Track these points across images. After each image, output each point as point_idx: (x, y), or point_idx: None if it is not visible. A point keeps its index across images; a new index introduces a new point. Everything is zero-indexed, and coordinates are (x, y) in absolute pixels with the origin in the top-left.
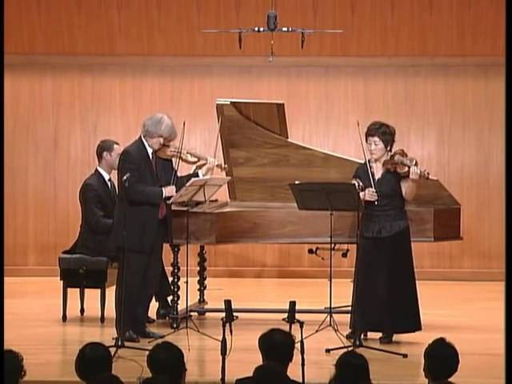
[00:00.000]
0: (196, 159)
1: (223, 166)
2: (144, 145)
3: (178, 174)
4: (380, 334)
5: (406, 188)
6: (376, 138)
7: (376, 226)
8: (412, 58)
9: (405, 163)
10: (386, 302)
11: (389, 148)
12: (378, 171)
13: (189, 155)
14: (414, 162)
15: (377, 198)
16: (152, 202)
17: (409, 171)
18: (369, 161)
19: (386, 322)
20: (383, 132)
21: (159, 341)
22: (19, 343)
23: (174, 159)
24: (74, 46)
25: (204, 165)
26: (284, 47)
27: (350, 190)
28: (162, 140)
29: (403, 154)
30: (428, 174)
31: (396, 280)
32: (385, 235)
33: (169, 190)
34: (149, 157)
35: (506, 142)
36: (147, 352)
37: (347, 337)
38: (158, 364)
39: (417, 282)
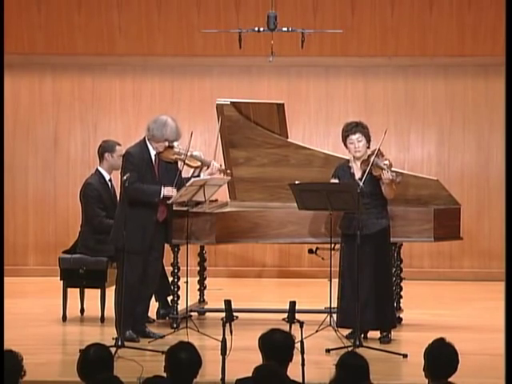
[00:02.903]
0: (199, 164)
1: (226, 171)
2: (147, 147)
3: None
4: (379, 334)
5: (383, 189)
6: (358, 135)
7: (358, 224)
8: (412, 57)
9: (379, 165)
10: (366, 299)
11: (368, 144)
12: (357, 171)
13: (192, 160)
14: (388, 165)
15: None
16: (149, 200)
17: (382, 174)
18: (348, 161)
19: (369, 320)
20: (363, 127)
21: (181, 339)
22: (19, 343)
23: (178, 162)
24: (74, 46)
25: (212, 173)
26: (284, 47)
27: (350, 190)
28: (167, 143)
29: (379, 154)
30: (400, 178)
31: (376, 278)
32: (366, 233)
33: (168, 190)
34: (151, 159)
35: (506, 142)
36: (147, 352)
37: (347, 337)
38: (179, 363)
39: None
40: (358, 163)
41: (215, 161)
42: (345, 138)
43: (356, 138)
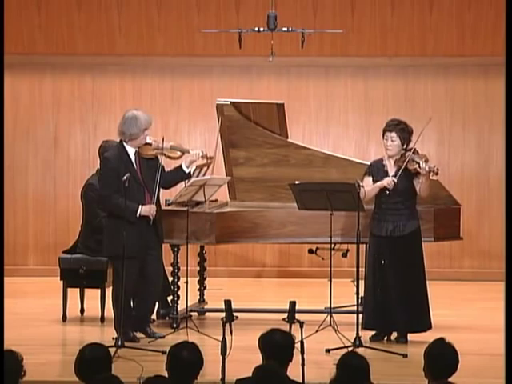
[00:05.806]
0: (180, 154)
1: (208, 155)
2: (125, 148)
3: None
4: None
5: (419, 185)
6: (393, 134)
7: (390, 226)
8: (412, 58)
9: (415, 159)
10: (399, 301)
11: (404, 146)
12: (391, 169)
13: (172, 151)
14: (424, 159)
15: (393, 185)
16: (123, 216)
17: (418, 168)
18: (381, 159)
19: (400, 322)
20: (401, 129)
21: (181, 339)
22: (19, 343)
23: (158, 156)
24: (74, 46)
25: (192, 161)
26: (284, 47)
27: (350, 190)
28: (146, 132)
29: (415, 151)
30: (437, 169)
31: (408, 279)
32: (398, 234)
33: (145, 210)
34: (131, 160)
35: (506, 142)
36: (147, 352)
37: (371, 339)
38: (181, 362)
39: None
40: (392, 161)
41: (215, 161)
42: (383, 133)
43: (391, 135)
